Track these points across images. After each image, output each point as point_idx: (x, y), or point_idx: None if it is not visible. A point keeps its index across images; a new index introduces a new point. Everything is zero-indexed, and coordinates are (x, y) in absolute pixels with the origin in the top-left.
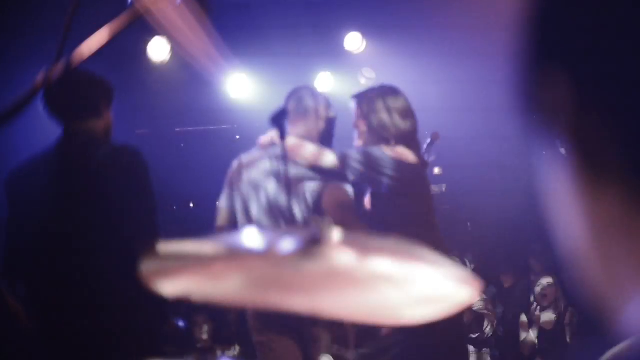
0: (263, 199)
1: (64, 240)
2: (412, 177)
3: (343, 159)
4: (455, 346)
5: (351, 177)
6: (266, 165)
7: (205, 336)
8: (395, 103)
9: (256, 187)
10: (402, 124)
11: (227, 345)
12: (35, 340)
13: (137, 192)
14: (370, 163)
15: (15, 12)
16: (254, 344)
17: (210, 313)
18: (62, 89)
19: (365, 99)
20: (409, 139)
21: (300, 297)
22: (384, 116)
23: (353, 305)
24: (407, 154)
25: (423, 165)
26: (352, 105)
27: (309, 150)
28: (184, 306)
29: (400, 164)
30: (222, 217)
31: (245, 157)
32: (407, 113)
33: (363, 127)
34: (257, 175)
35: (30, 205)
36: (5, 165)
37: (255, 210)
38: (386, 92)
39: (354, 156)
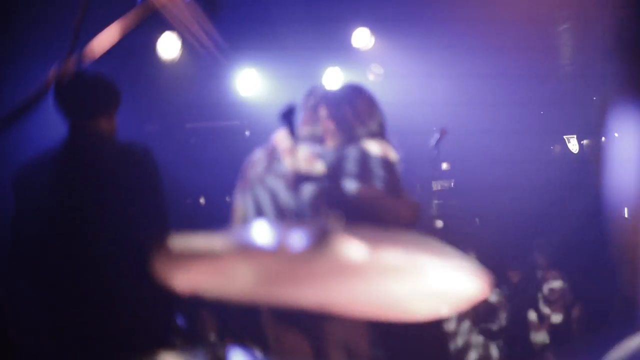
0: (284, 199)
1: (73, 236)
2: (393, 173)
3: (325, 159)
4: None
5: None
6: (282, 165)
7: (209, 331)
8: (361, 102)
9: (276, 186)
10: (369, 123)
11: (231, 340)
12: (44, 336)
13: (147, 189)
14: (353, 161)
15: (27, 9)
16: (265, 338)
17: (214, 308)
18: (75, 86)
19: (331, 99)
20: (377, 137)
21: (311, 292)
22: (350, 116)
23: (363, 300)
24: (378, 150)
25: (397, 162)
26: (320, 106)
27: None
28: (187, 301)
29: (380, 161)
30: (239, 217)
31: (258, 156)
32: (373, 111)
33: (332, 127)
34: (275, 174)
35: (37, 202)
36: (12, 162)
37: (277, 209)
38: (352, 91)
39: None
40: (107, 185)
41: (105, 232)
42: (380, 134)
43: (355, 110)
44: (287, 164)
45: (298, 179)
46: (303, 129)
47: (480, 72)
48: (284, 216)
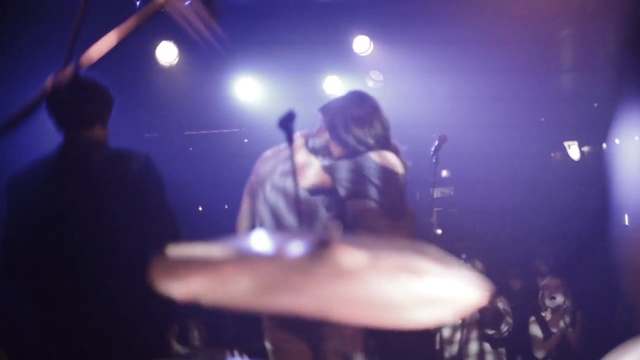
0: (293, 207)
1: (67, 244)
2: (397, 183)
3: (330, 172)
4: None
5: (342, 190)
6: (286, 172)
7: (196, 340)
8: (358, 112)
9: (284, 194)
10: (365, 132)
11: (219, 348)
12: (43, 342)
13: (146, 196)
14: (357, 173)
15: (24, 17)
16: (263, 346)
17: (202, 316)
18: (70, 95)
19: (329, 111)
20: (380, 146)
21: (309, 300)
22: (343, 130)
23: (362, 308)
24: (390, 160)
25: (404, 172)
26: (320, 117)
27: (313, 174)
28: (185, 310)
29: (385, 173)
30: (248, 217)
31: (268, 157)
32: (373, 120)
33: (328, 136)
34: (282, 181)
35: (32, 209)
36: (7, 169)
37: (287, 217)
38: (349, 101)
39: (341, 167)
40: (103, 193)
41: (102, 239)
42: (382, 142)
43: (348, 120)
44: (295, 166)
45: (308, 192)
46: (315, 139)
47: (479, 78)
48: (295, 215)
